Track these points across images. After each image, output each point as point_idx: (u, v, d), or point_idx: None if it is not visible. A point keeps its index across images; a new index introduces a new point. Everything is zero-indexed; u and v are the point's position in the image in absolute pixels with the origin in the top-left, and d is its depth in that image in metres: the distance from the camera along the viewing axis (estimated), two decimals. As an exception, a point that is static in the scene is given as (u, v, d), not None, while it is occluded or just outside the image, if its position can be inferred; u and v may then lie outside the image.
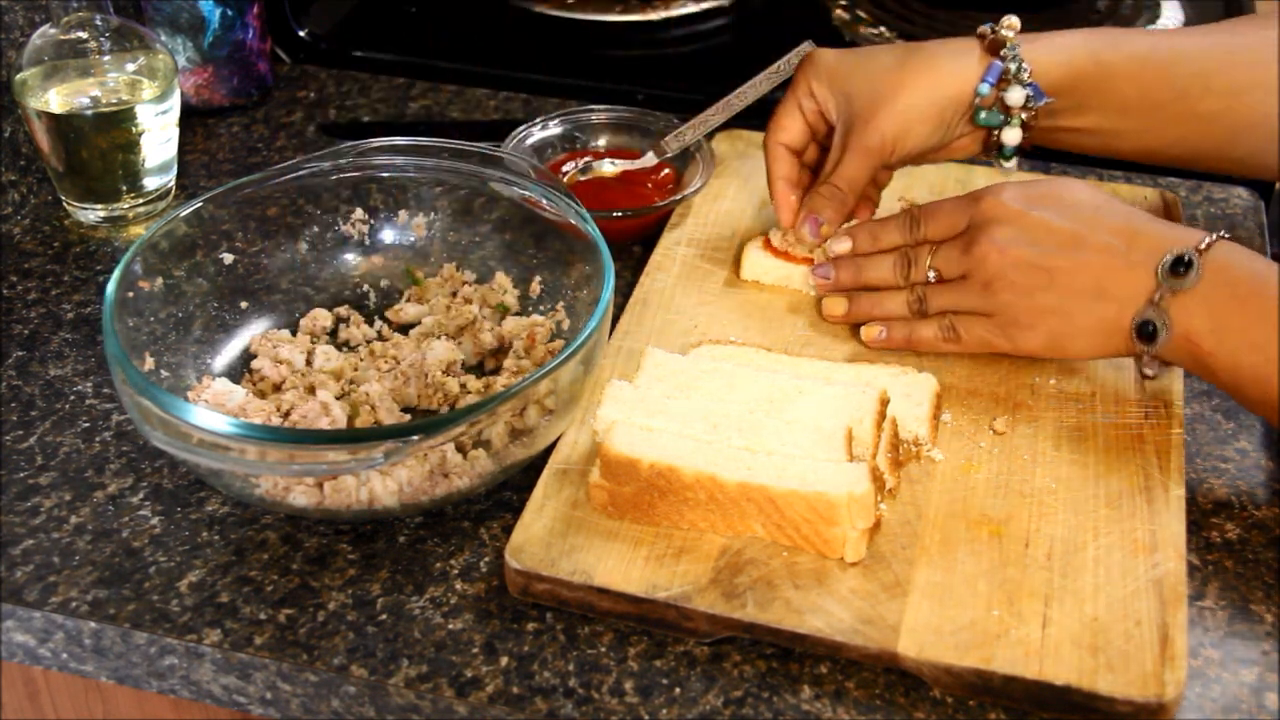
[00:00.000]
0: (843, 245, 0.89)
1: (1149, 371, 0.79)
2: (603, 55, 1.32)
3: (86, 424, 0.86)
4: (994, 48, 0.88)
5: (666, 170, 1.04)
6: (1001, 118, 0.90)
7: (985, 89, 0.89)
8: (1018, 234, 0.81)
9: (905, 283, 0.86)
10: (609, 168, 1.04)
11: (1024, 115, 0.89)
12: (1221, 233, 0.76)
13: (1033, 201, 0.82)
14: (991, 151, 0.93)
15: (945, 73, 0.89)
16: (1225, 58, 0.88)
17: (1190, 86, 0.87)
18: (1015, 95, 0.88)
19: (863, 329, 0.88)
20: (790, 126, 0.93)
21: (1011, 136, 0.90)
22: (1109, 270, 0.78)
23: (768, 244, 0.94)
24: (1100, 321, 0.79)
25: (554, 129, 1.06)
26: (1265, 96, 0.87)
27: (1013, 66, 0.88)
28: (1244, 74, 0.87)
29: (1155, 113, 0.89)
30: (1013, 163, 0.92)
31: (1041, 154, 1.10)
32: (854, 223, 0.92)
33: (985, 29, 0.90)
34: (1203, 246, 0.76)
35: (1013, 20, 0.89)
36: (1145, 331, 0.77)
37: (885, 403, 0.79)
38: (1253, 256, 0.77)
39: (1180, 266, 0.75)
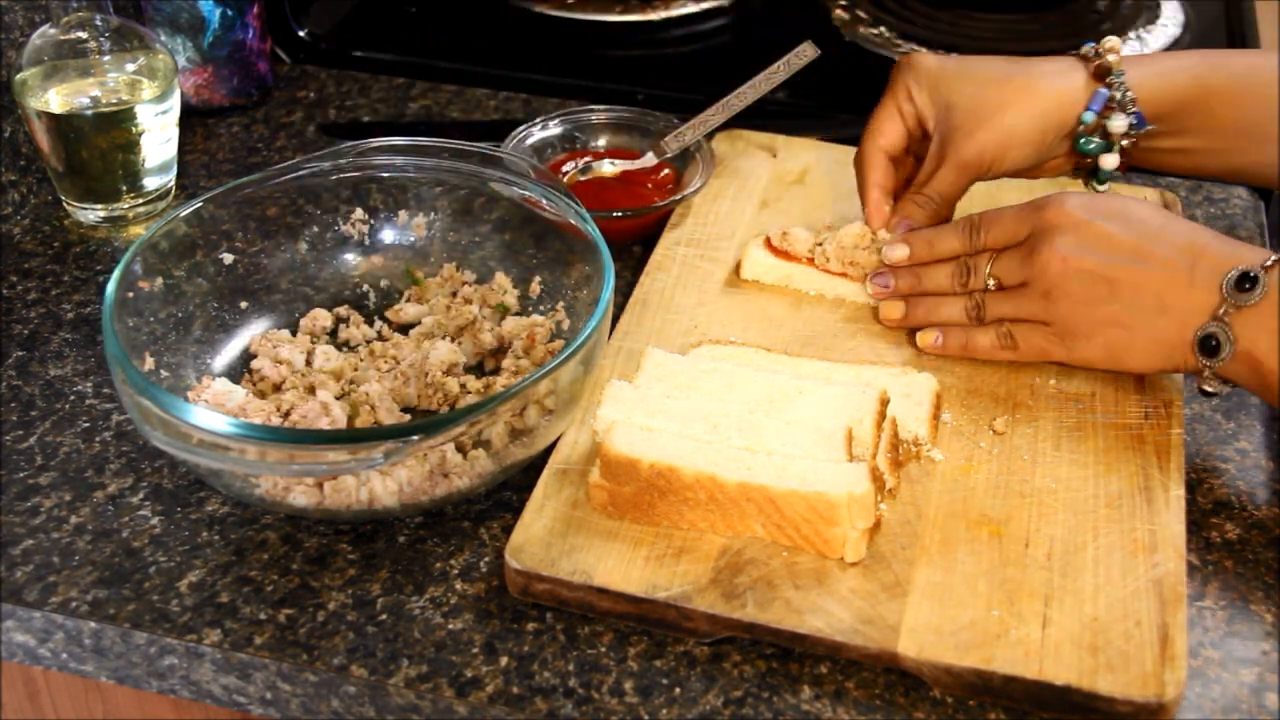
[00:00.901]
0: (900, 253, 0.88)
1: (1209, 389, 0.78)
2: (603, 55, 1.32)
3: (86, 424, 0.86)
4: (1100, 73, 0.88)
5: (666, 170, 1.04)
6: (1103, 144, 0.89)
7: (1090, 117, 0.88)
8: (1081, 243, 0.80)
9: (963, 290, 0.86)
10: (609, 168, 1.04)
11: (1124, 142, 0.89)
12: None
13: (1097, 212, 0.81)
14: (1084, 174, 0.92)
15: (1050, 95, 0.88)
16: None
17: None
18: (1119, 123, 0.88)
19: (918, 335, 0.87)
20: (889, 130, 0.92)
21: (1110, 162, 0.90)
22: (1172, 284, 0.77)
23: (768, 243, 0.94)
24: (1161, 335, 0.78)
25: (554, 129, 1.06)
26: None
27: (1119, 94, 0.87)
28: None
29: (1252, 134, 0.88)
30: (1106, 186, 0.92)
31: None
32: (905, 229, 0.91)
33: (1089, 50, 0.89)
34: (1268, 264, 0.75)
35: (1114, 42, 0.88)
36: (1208, 346, 0.76)
37: (885, 403, 0.79)
38: None
39: (1246, 282, 0.75)
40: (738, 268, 0.94)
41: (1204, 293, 0.77)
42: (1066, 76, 0.89)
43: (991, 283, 0.84)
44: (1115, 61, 0.88)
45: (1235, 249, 0.78)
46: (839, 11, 1.33)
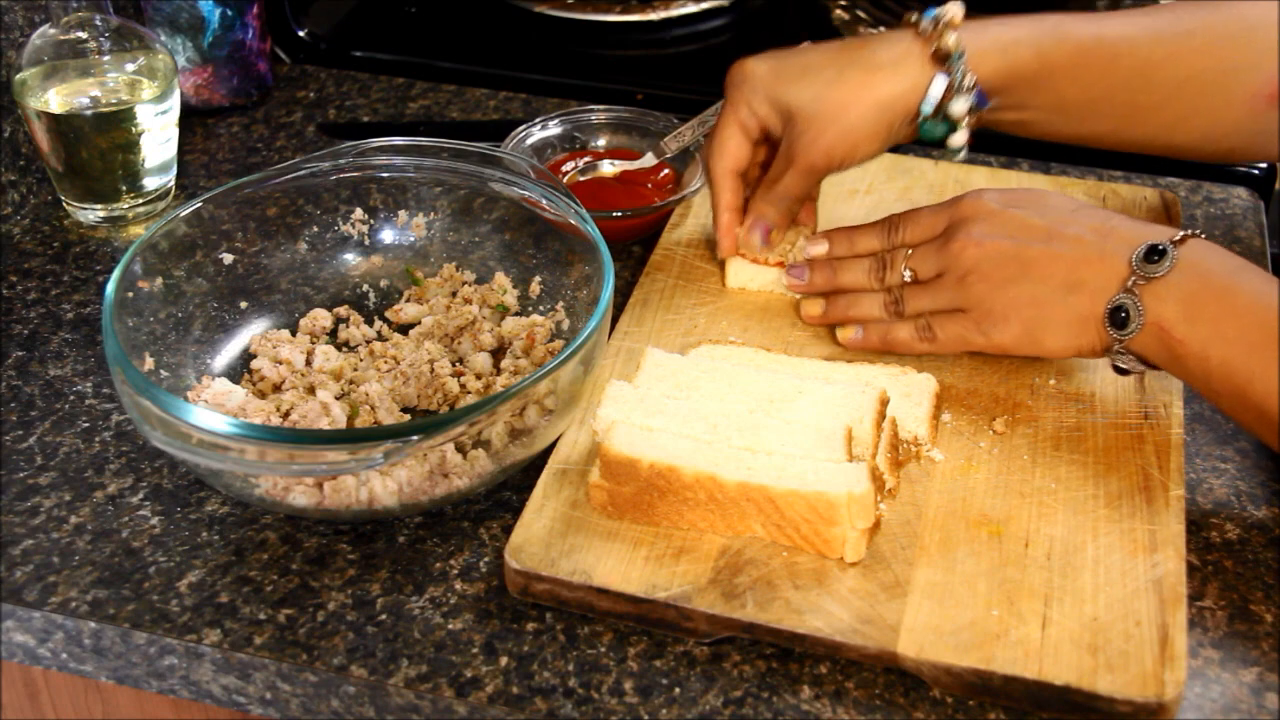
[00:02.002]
0: (819, 249, 0.90)
1: (1121, 364, 0.79)
2: (603, 55, 1.32)
3: (86, 424, 0.86)
4: (939, 57, 0.86)
5: (666, 170, 1.04)
6: (946, 126, 0.88)
7: (929, 108, 0.87)
8: (994, 228, 0.81)
9: (880, 286, 0.87)
10: (609, 168, 1.04)
11: (966, 120, 0.88)
12: (1197, 231, 0.77)
13: (1010, 202, 0.83)
14: (939, 147, 0.91)
15: (888, 85, 0.87)
16: (1167, 50, 0.86)
17: (1132, 80, 0.87)
18: (959, 106, 0.86)
19: (839, 330, 0.88)
20: (733, 149, 0.91)
21: (958, 140, 0.89)
22: (1083, 261, 0.78)
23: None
24: (1074, 313, 0.79)
25: (554, 129, 1.06)
26: (1206, 87, 0.86)
27: (958, 78, 0.86)
28: (1185, 66, 0.86)
29: (1094, 106, 0.88)
30: (961, 155, 0.90)
31: (1041, 154, 1.10)
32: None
33: (926, 25, 0.86)
34: (1177, 239, 0.76)
35: (955, 13, 0.86)
36: (1117, 318, 0.77)
37: (885, 403, 0.79)
38: (1226, 254, 0.77)
39: (1155, 255, 0.76)
40: (724, 276, 0.94)
41: (1114, 265, 0.77)
42: (904, 64, 0.87)
43: (908, 273, 0.85)
44: (954, 44, 0.85)
45: (1147, 228, 0.79)
46: (839, 11, 1.33)
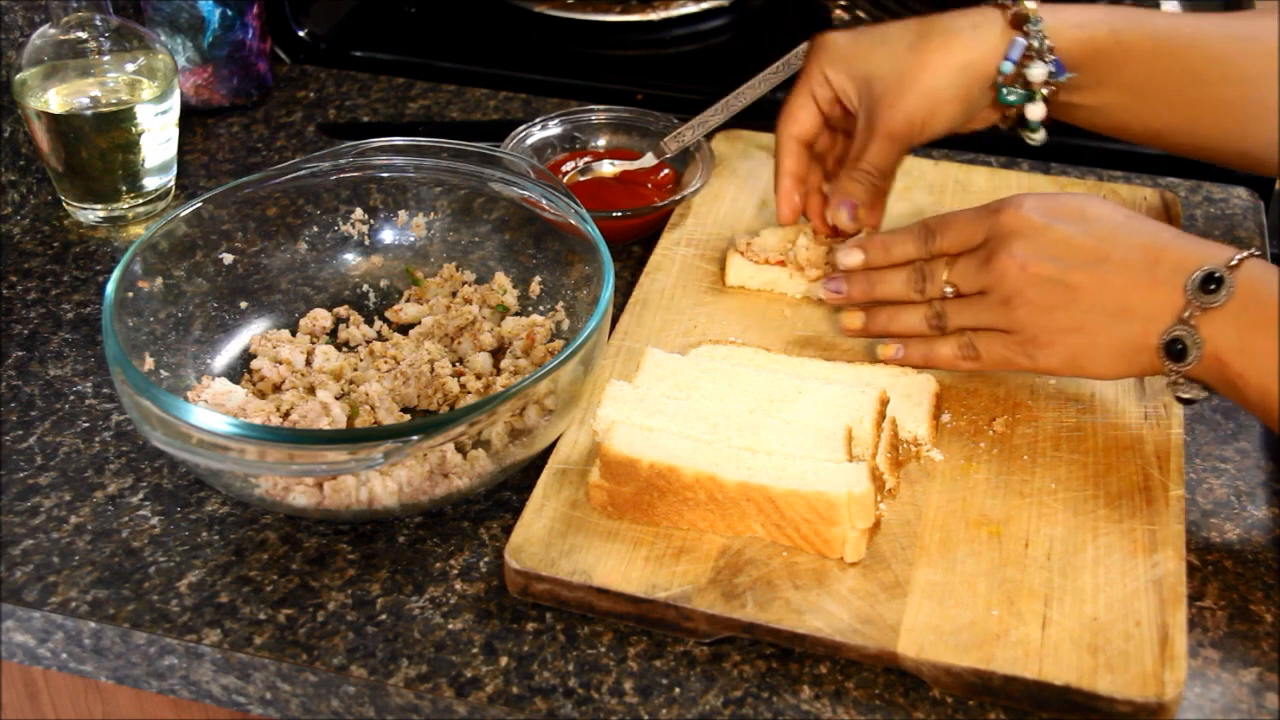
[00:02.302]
0: (854, 258, 0.87)
1: (1184, 395, 0.76)
2: (603, 55, 1.32)
3: (86, 424, 0.86)
4: (1017, 22, 0.87)
5: (666, 170, 1.04)
6: (1024, 94, 0.88)
7: (1009, 67, 0.87)
8: (1038, 249, 0.77)
9: (921, 298, 0.84)
10: (609, 168, 1.04)
11: (1045, 90, 0.88)
12: (1253, 250, 0.73)
13: (1054, 215, 0.78)
14: (1014, 125, 0.91)
15: (968, 49, 0.87)
16: (1241, 45, 0.86)
17: (1205, 71, 0.86)
18: (1038, 71, 0.86)
19: (879, 347, 0.85)
20: (803, 118, 0.91)
21: (1036, 112, 0.89)
22: (1134, 287, 0.75)
23: (748, 248, 0.93)
24: (1124, 340, 0.76)
25: (554, 129, 1.06)
26: (1276, 88, 0.85)
27: (1035, 42, 0.86)
28: (1258, 63, 0.86)
29: (1169, 95, 0.87)
30: (1039, 135, 0.90)
31: (1046, 150, 1.10)
32: (863, 235, 0.90)
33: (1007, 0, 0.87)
34: (1234, 263, 0.73)
35: None
36: (1174, 350, 0.74)
37: (885, 403, 0.79)
38: None
39: (1211, 284, 0.73)
40: (723, 275, 0.94)
41: (1167, 294, 0.74)
42: (982, 29, 0.88)
43: (949, 289, 0.82)
44: (1032, 9, 0.86)
45: (1198, 247, 0.75)
46: (839, 11, 1.33)
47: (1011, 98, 0.88)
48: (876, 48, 0.89)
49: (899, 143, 0.88)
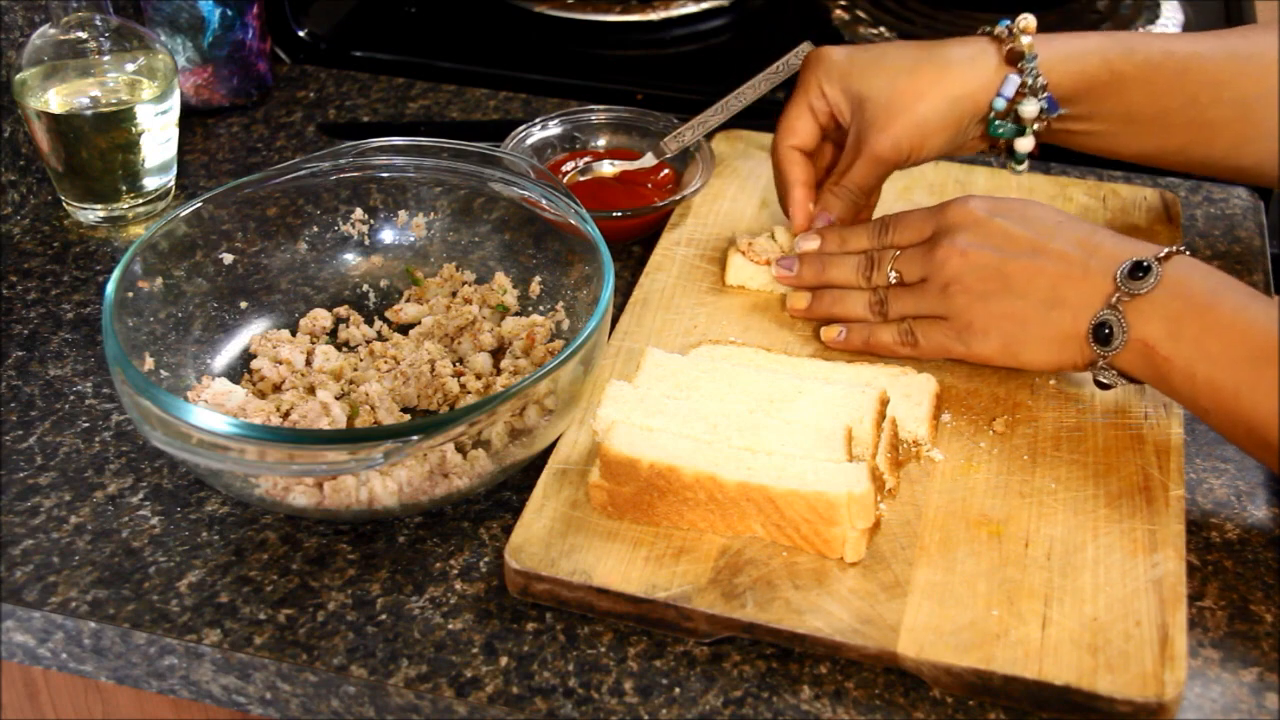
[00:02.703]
0: (810, 243, 0.90)
1: (1104, 379, 0.79)
2: (603, 55, 1.32)
3: (86, 424, 0.86)
4: (1012, 58, 0.88)
5: (666, 170, 1.04)
6: (1015, 128, 0.90)
7: (1001, 104, 0.89)
8: (978, 238, 0.81)
9: (867, 284, 0.87)
10: (609, 168, 1.04)
11: (1036, 125, 0.90)
12: (1180, 247, 0.77)
13: (997, 211, 0.82)
14: (1002, 155, 0.93)
15: (962, 82, 0.89)
16: (1237, 66, 0.87)
17: (1200, 94, 0.87)
18: (1030, 108, 0.89)
19: (822, 330, 0.88)
20: (801, 129, 0.92)
21: (1025, 145, 0.91)
22: (1066, 277, 0.78)
23: (749, 248, 0.93)
24: (1056, 328, 0.79)
25: (554, 129, 1.06)
26: (1274, 106, 0.86)
27: (1030, 80, 0.88)
28: (1254, 84, 0.87)
29: (1163, 119, 0.89)
30: (1024, 166, 0.93)
31: (1042, 155, 1.10)
32: (825, 221, 0.92)
33: (1002, 30, 0.89)
34: (1162, 255, 0.76)
35: (1029, 22, 0.88)
36: (1101, 334, 0.77)
37: (885, 403, 0.79)
38: (1210, 270, 0.76)
39: (1139, 271, 0.76)
40: (724, 275, 0.94)
41: (1098, 283, 0.77)
42: (978, 61, 0.89)
43: (893, 275, 0.85)
44: (1028, 45, 0.88)
45: (1132, 245, 0.79)
46: (839, 11, 1.33)
47: (1002, 131, 0.90)
48: (872, 68, 0.90)
49: (884, 166, 0.90)
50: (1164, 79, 0.88)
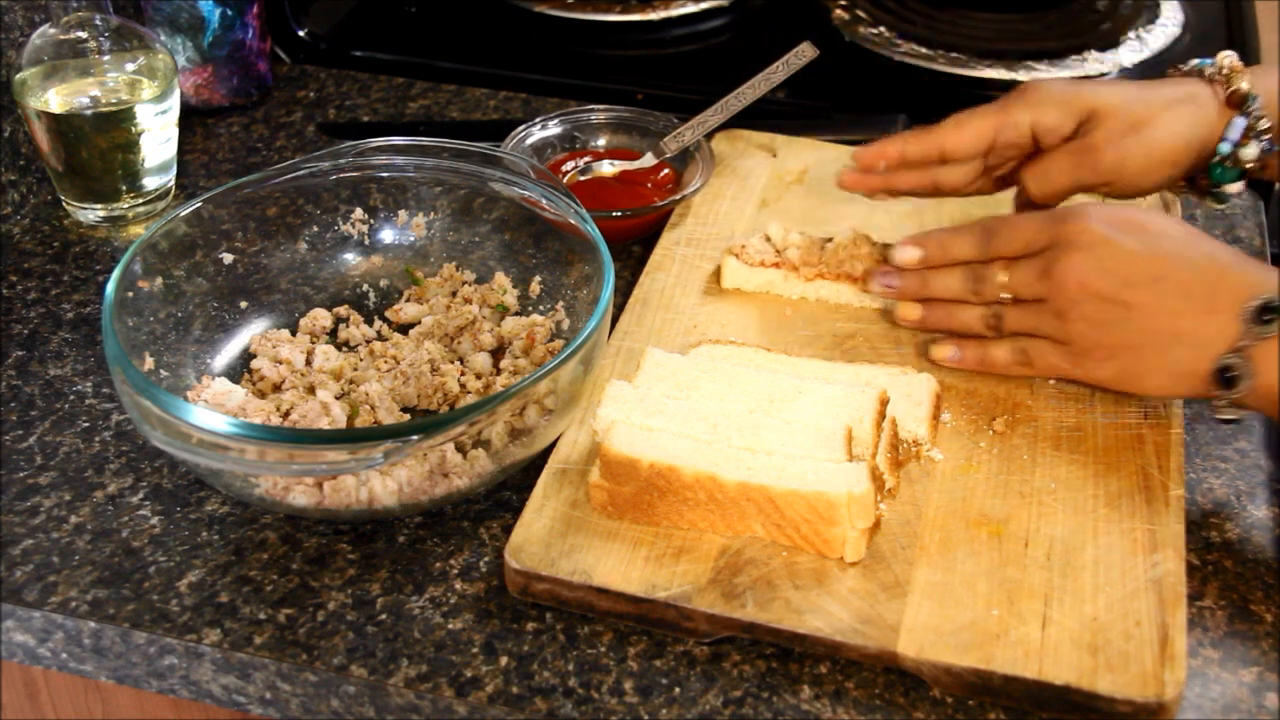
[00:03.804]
0: (911, 254, 0.86)
1: (1226, 416, 0.76)
2: (603, 55, 1.32)
3: (86, 424, 0.86)
4: (1235, 101, 0.86)
5: (666, 170, 1.04)
6: (1237, 172, 0.87)
7: (1227, 148, 0.86)
8: (1098, 263, 0.77)
9: (975, 299, 0.83)
10: (609, 168, 1.04)
11: (1250, 165, 0.87)
12: None
13: (1118, 228, 0.78)
14: (1201, 195, 0.90)
15: (1191, 122, 0.86)
16: None
17: None
18: (1252, 151, 0.86)
19: (932, 348, 0.85)
20: (971, 131, 0.88)
21: (1235, 188, 0.89)
22: (1189, 311, 0.76)
23: (743, 251, 0.93)
24: (1176, 363, 0.77)
25: (554, 129, 1.06)
26: None
27: (1255, 121, 0.86)
28: None
29: None
30: (1225, 206, 0.91)
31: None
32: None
33: (1213, 71, 0.87)
34: None
35: (1235, 60, 0.87)
36: (1225, 378, 0.74)
37: (885, 403, 0.79)
38: None
39: (1266, 314, 0.73)
40: (719, 278, 0.94)
41: (1222, 322, 0.74)
42: (1202, 104, 0.86)
43: (1007, 295, 0.82)
44: (1248, 89, 0.86)
45: (1258, 273, 0.75)
46: (839, 11, 1.33)
47: (1226, 176, 0.88)
48: (1105, 87, 0.87)
49: (1092, 177, 0.86)
50: None
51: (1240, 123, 0.86)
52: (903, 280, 0.86)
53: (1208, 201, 0.91)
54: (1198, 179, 0.89)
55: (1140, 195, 0.89)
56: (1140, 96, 0.86)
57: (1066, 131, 0.87)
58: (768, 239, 0.94)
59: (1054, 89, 0.88)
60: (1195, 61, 0.88)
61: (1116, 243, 0.78)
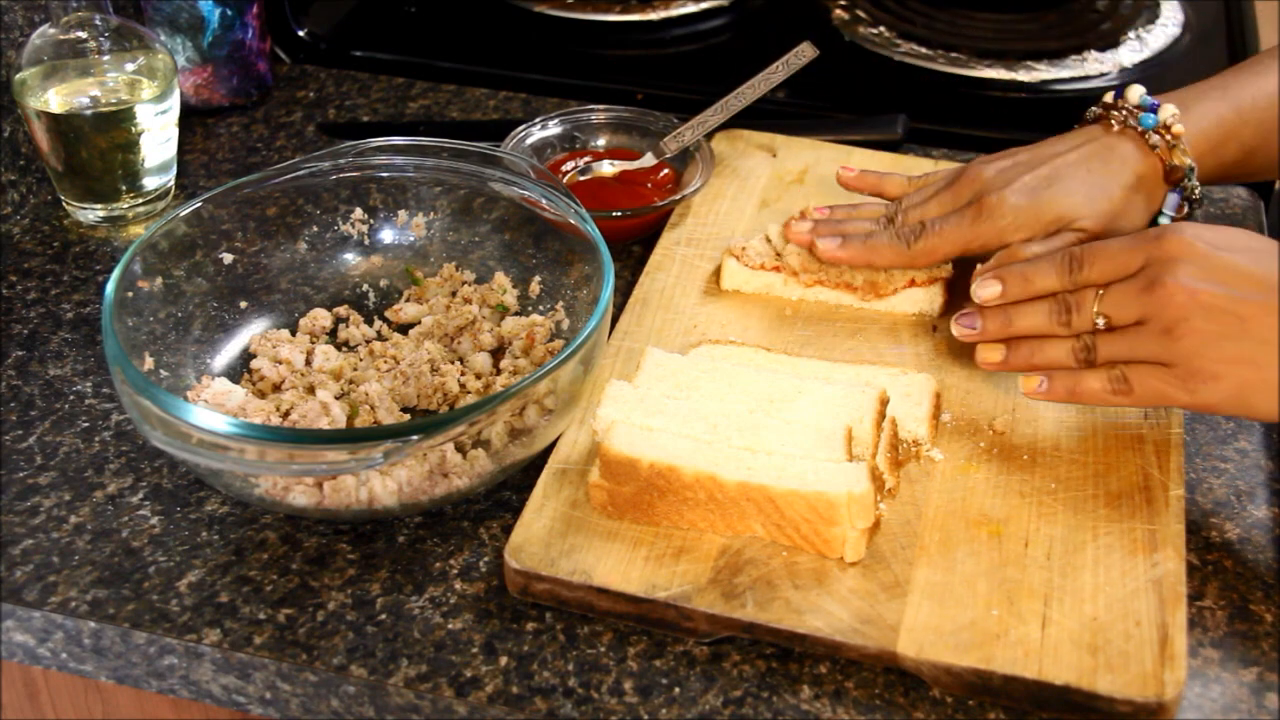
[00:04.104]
0: (991, 290, 0.81)
1: None
2: (603, 55, 1.32)
3: (86, 424, 0.86)
4: (1172, 177, 0.88)
5: (666, 170, 1.04)
6: (1168, 218, 0.90)
7: (1164, 220, 0.89)
8: (1207, 275, 0.74)
9: (1066, 331, 0.79)
10: (608, 168, 1.04)
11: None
12: None
13: (1219, 244, 0.75)
14: None
15: (1144, 207, 0.89)
16: None
17: None
18: (1172, 204, 0.89)
19: (1022, 380, 0.80)
20: (945, 252, 0.89)
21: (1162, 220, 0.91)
22: None
23: (743, 253, 0.93)
24: None
25: (554, 129, 1.06)
26: None
27: (1193, 192, 0.88)
28: None
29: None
30: None
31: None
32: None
33: (1156, 140, 0.88)
34: None
35: (1175, 122, 0.88)
36: None
37: (885, 402, 0.79)
38: None
39: None
40: (719, 279, 0.94)
41: None
42: (1149, 186, 0.88)
43: (1101, 321, 0.77)
44: (1187, 163, 0.87)
45: None
46: (839, 11, 1.33)
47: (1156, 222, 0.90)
48: (1064, 199, 0.87)
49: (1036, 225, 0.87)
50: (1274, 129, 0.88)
51: (1174, 198, 0.89)
52: (985, 319, 0.81)
53: None
54: None
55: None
56: (1107, 209, 0.87)
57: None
58: (768, 240, 0.94)
59: (1018, 211, 0.87)
60: (1147, 119, 0.88)
61: (1220, 256, 0.74)
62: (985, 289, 0.81)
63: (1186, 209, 0.89)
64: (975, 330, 0.81)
